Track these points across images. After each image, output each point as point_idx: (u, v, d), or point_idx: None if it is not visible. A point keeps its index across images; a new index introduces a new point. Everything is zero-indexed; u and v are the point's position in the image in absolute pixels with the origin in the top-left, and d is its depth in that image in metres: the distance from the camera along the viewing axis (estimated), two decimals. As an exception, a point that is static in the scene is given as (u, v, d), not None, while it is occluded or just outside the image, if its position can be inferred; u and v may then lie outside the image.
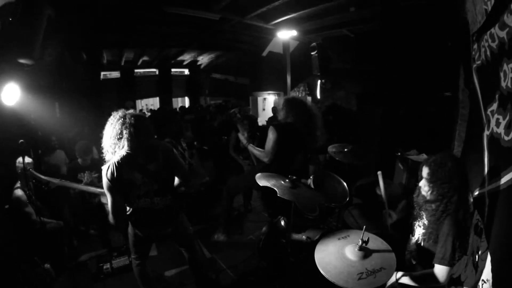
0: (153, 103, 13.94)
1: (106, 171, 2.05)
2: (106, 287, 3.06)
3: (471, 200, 1.90)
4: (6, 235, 2.83)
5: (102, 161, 2.90)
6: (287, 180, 2.11)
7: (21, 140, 2.63)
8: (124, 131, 2.04)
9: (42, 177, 3.02)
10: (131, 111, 2.18)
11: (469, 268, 1.48)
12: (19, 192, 3.06)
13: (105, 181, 2.06)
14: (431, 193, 1.72)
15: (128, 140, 2.04)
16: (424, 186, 1.75)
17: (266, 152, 2.94)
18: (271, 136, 2.87)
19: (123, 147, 2.07)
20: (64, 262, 3.30)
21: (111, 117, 2.12)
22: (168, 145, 2.36)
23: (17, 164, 3.06)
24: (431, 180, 1.71)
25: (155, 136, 2.40)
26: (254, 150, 3.22)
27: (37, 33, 2.86)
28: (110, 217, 2.11)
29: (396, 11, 4.03)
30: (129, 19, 6.06)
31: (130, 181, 2.11)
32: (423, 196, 1.78)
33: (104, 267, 3.22)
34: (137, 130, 2.05)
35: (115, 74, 11.68)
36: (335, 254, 1.57)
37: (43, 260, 2.96)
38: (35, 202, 3.09)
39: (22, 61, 2.83)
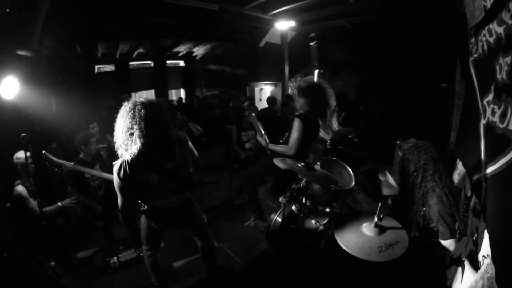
0: (147, 95, 13.84)
1: (118, 170, 1.87)
2: (114, 281, 3.03)
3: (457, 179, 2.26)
4: (9, 233, 2.79)
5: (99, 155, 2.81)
6: (303, 164, 2.24)
7: (23, 134, 2.53)
8: (135, 127, 1.80)
9: (55, 159, 2.96)
10: (142, 99, 1.91)
11: (469, 247, 1.62)
12: (19, 188, 2.98)
13: (116, 180, 1.90)
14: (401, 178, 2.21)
15: (140, 137, 1.80)
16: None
17: (290, 146, 2.91)
18: (297, 127, 2.86)
19: (135, 144, 1.82)
20: (70, 259, 3.25)
21: (122, 108, 1.89)
22: (183, 135, 2.16)
23: (14, 160, 2.98)
24: (399, 166, 2.23)
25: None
26: (277, 147, 3.12)
27: (36, 23, 2.75)
28: (119, 215, 2.06)
29: (395, 3, 4.09)
30: (126, 10, 6.03)
31: (144, 182, 1.94)
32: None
33: (111, 261, 3.16)
34: (149, 124, 1.82)
35: (110, 67, 11.58)
36: (353, 232, 1.72)
37: (48, 258, 2.93)
38: (36, 198, 2.94)
39: (21, 52, 2.71)
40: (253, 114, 3.54)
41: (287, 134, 3.10)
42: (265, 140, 3.24)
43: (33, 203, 2.98)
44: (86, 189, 3.50)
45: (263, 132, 3.31)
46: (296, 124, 2.88)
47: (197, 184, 5.18)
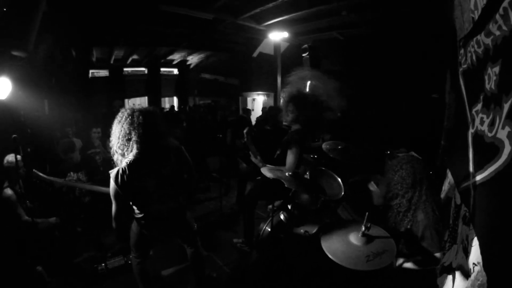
0: (140, 102, 13.79)
1: (116, 177, 1.85)
2: (102, 288, 2.95)
3: (445, 192, 2.22)
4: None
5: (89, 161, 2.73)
6: (291, 174, 2.23)
7: (14, 135, 2.44)
8: (133, 132, 1.85)
9: (46, 177, 2.91)
10: (139, 107, 1.97)
11: (460, 255, 1.61)
12: (8, 191, 2.89)
13: (113, 187, 1.88)
14: (386, 193, 2.09)
15: (137, 143, 1.85)
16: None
17: (288, 168, 2.71)
18: (295, 152, 2.72)
19: (132, 150, 1.88)
20: (58, 264, 3.15)
21: (119, 114, 1.93)
22: (177, 144, 2.21)
23: (5, 164, 2.89)
24: (385, 182, 2.14)
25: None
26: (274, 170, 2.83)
27: (33, 25, 2.75)
28: (113, 222, 2.01)
29: (387, 16, 4.20)
30: (123, 17, 6.06)
31: (142, 188, 1.95)
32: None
33: (99, 268, 3.08)
34: (146, 130, 1.86)
35: (104, 73, 11.57)
36: (340, 242, 1.69)
37: (35, 263, 2.84)
38: (26, 202, 2.95)
39: (15, 53, 2.71)
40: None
41: (278, 152, 3.03)
42: (261, 161, 3.18)
43: (21, 210, 2.91)
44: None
45: (257, 155, 3.26)
46: (294, 149, 2.75)
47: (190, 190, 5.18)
